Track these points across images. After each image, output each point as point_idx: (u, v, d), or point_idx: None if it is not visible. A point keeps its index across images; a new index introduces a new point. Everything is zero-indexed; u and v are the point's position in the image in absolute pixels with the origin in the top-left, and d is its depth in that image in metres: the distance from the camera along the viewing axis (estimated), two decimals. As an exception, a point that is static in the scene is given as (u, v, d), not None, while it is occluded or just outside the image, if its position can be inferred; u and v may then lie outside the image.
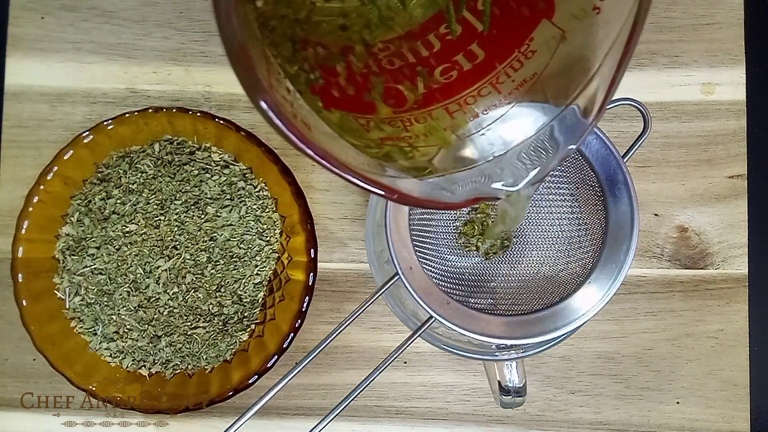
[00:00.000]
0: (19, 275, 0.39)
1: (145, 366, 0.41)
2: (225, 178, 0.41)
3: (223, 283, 0.41)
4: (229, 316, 0.41)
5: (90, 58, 0.45)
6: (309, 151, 0.18)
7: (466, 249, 0.38)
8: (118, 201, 0.40)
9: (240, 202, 0.41)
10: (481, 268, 0.37)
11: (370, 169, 0.22)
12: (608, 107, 0.34)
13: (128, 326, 0.40)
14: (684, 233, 0.43)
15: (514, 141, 0.25)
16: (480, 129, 0.25)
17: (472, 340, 0.33)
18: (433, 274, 0.34)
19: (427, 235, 0.36)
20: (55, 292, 0.40)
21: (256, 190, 0.41)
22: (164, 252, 0.40)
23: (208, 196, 0.41)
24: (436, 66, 0.25)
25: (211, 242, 0.40)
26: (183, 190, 0.41)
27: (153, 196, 0.40)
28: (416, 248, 0.32)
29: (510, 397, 0.34)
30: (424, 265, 0.32)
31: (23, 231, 0.39)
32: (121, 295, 0.40)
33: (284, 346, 0.38)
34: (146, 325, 0.40)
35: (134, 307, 0.40)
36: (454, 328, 0.30)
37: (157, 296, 0.40)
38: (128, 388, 0.40)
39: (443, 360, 0.43)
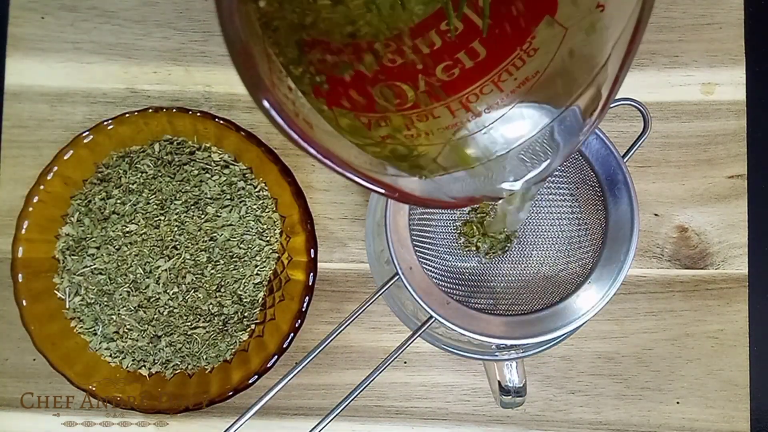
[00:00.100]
0: (19, 275, 0.39)
1: (145, 366, 0.41)
2: (225, 178, 0.41)
3: (223, 283, 0.41)
4: (229, 316, 0.41)
5: (90, 58, 0.45)
6: (311, 150, 0.18)
7: (466, 249, 0.38)
8: (118, 201, 0.40)
9: (240, 202, 0.41)
10: (481, 268, 0.37)
11: (371, 168, 0.22)
12: (609, 107, 0.34)
13: (128, 326, 0.40)
14: (684, 233, 0.43)
15: (516, 140, 0.24)
16: (482, 128, 0.25)
17: (472, 340, 0.33)
18: (433, 274, 0.34)
19: (427, 235, 0.36)
20: (55, 292, 0.40)
21: (256, 190, 0.41)
22: (164, 252, 0.40)
23: (208, 196, 0.41)
24: (438, 64, 0.24)
25: (211, 242, 0.40)
26: (183, 190, 0.41)
27: (153, 196, 0.40)
28: (416, 248, 0.32)
29: (510, 397, 0.34)
30: (424, 265, 0.32)
31: (23, 231, 0.39)
32: (121, 295, 0.40)
33: (284, 346, 0.38)
34: (146, 325, 0.40)
35: (134, 307, 0.40)
36: (454, 328, 0.30)
37: (157, 296, 0.40)
38: (128, 388, 0.40)
39: (443, 360, 0.43)
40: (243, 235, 0.41)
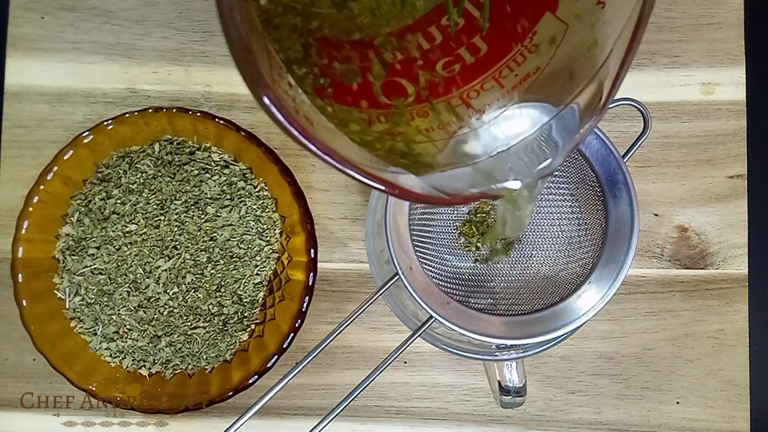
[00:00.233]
0: (19, 275, 0.39)
1: (145, 366, 0.41)
2: (225, 178, 0.41)
3: (223, 283, 0.41)
4: (229, 316, 0.41)
5: (90, 58, 0.45)
6: (311, 146, 0.18)
7: (467, 249, 0.38)
8: (118, 201, 0.40)
9: (240, 202, 0.41)
10: (481, 268, 0.37)
11: (371, 165, 0.22)
12: (609, 106, 0.34)
13: (128, 326, 0.40)
14: (684, 233, 0.43)
15: (516, 137, 0.24)
16: (483, 124, 0.25)
17: (472, 340, 0.33)
18: (433, 274, 0.34)
19: (427, 235, 0.36)
20: (55, 292, 0.40)
21: (256, 190, 0.41)
22: (164, 252, 0.40)
23: (208, 196, 0.41)
24: (438, 59, 0.24)
25: (211, 242, 0.40)
26: (183, 190, 0.41)
27: (153, 196, 0.40)
28: (416, 248, 0.32)
29: (510, 397, 0.34)
30: (424, 265, 0.32)
31: (23, 231, 0.39)
32: (121, 295, 0.40)
33: (284, 346, 0.38)
34: (146, 325, 0.40)
35: (134, 307, 0.40)
36: (454, 328, 0.30)
37: (157, 296, 0.40)
38: (128, 388, 0.40)
39: (443, 360, 0.43)
40: (243, 235, 0.41)
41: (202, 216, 0.40)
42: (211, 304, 0.40)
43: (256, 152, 0.40)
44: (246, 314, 0.41)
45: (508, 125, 0.24)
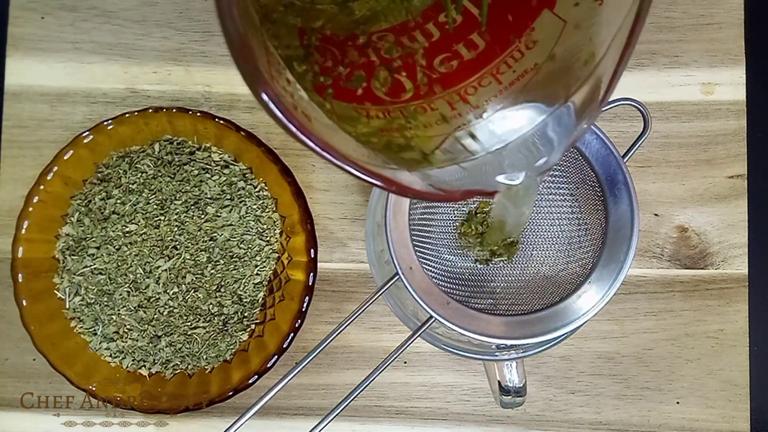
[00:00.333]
0: (19, 275, 0.39)
1: (145, 366, 0.41)
2: (225, 178, 0.41)
3: (223, 283, 0.41)
4: (229, 316, 0.41)
5: (90, 58, 0.45)
6: (310, 143, 0.18)
7: (467, 250, 0.38)
8: (118, 201, 0.40)
9: (240, 202, 0.41)
10: (481, 269, 0.37)
11: (369, 161, 0.22)
12: (609, 107, 0.34)
13: (128, 326, 0.40)
14: (684, 233, 0.43)
15: (515, 133, 0.24)
16: (481, 121, 0.25)
17: (472, 340, 0.33)
18: (433, 274, 0.34)
19: (427, 235, 0.36)
20: (55, 292, 0.40)
21: (256, 190, 0.41)
22: (164, 252, 0.40)
23: (208, 196, 0.41)
24: (436, 56, 0.24)
25: (211, 242, 0.40)
26: (183, 190, 0.41)
27: (153, 196, 0.40)
28: (416, 248, 0.32)
29: (510, 397, 0.34)
30: (424, 265, 0.32)
31: (23, 231, 0.39)
32: (121, 295, 0.40)
33: (284, 346, 0.38)
34: (146, 325, 0.40)
35: (134, 307, 0.40)
36: (454, 328, 0.30)
37: (157, 296, 0.40)
38: (128, 388, 0.40)
39: (443, 360, 0.43)
40: (243, 235, 0.41)
41: (202, 216, 0.40)
42: (211, 304, 0.40)
43: (256, 152, 0.40)
44: (246, 314, 0.41)
45: (505, 121, 0.24)
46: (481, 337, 0.30)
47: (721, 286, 0.43)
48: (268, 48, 0.21)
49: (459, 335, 0.31)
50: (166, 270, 0.40)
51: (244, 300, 0.41)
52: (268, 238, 0.41)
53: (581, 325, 0.31)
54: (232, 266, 0.41)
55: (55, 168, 0.39)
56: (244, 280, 0.41)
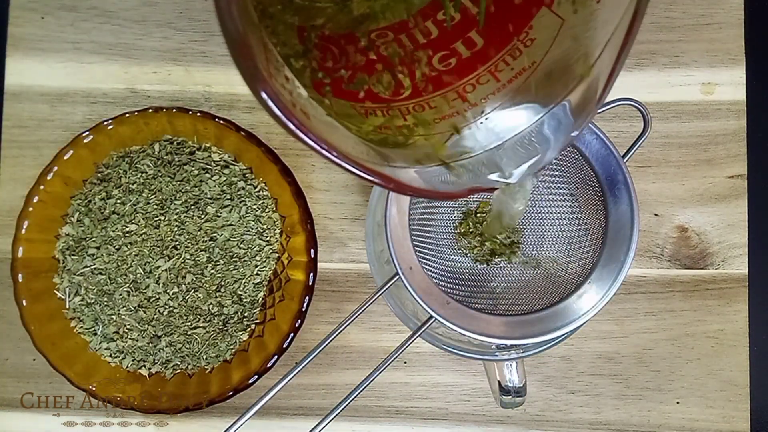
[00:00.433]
0: (19, 275, 0.39)
1: (145, 366, 0.41)
2: (225, 178, 0.41)
3: (223, 283, 0.41)
4: (229, 316, 0.41)
5: (90, 58, 0.45)
6: (308, 140, 0.18)
7: (467, 250, 0.38)
8: (118, 201, 0.40)
9: (240, 202, 0.41)
10: (481, 268, 0.37)
11: (368, 159, 0.22)
12: (609, 107, 0.34)
13: (128, 326, 0.40)
14: (684, 233, 0.43)
15: (512, 131, 0.24)
16: (479, 118, 0.25)
17: (472, 340, 0.33)
18: (433, 274, 0.34)
19: (427, 235, 0.36)
20: (55, 292, 0.40)
21: (256, 190, 0.41)
22: (164, 252, 0.40)
23: (208, 196, 0.41)
24: (435, 53, 0.24)
25: (211, 242, 0.40)
26: (183, 190, 0.41)
27: (153, 196, 0.40)
28: (416, 248, 0.32)
29: (510, 397, 0.34)
30: (424, 265, 0.32)
31: (23, 231, 0.39)
32: (121, 295, 0.40)
33: (284, 346, 0.38)
34: (146, 325, 0.40)
35: (134, 307, 0.40)
36: (454, 328, 0.30)
37: (157, 296, 0.40)
38: (128, 388, 0.40)
39: (443, 360, 0.43)
40: (243, 235, 0.41)
41: (202, 216, 0.40)
42: (211, 304, 0.40)
43: (256, 152, 0.40)
44: (246, 314, 0.41)
45: (503, 119, 0.25)
46: (481, 337, 0.30)
47: (721, 286, 0.43)
48: (267, 45, 0.21)
49: (459, 335, 0.31)
50: (166, 270, 0.40)
51: (244, 300, 0.41)
52: (268, 238, 0.41)
53: (581, 325, 0.31)
54: (232, 266, 0.41)
55: (55, 168, 0.39)
56: (244, 280, 0.41)
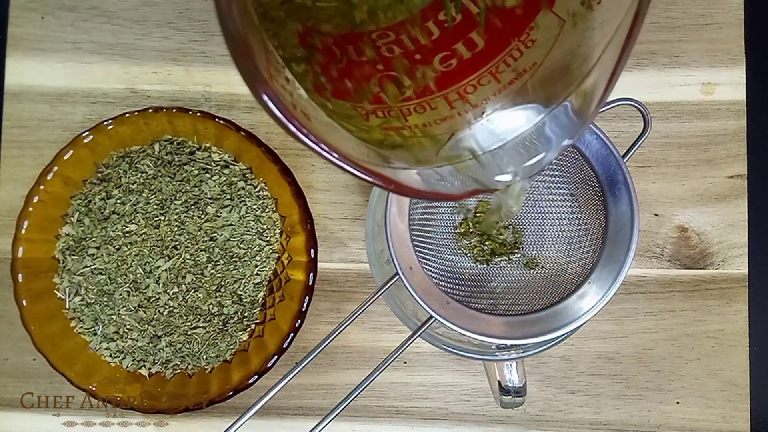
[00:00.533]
0: (19, 275, 0.39)
1: (145, 366, 0.41)
2: (225, 178, 0.41)
3: (223, 283, 0.41)
4: (229, 316, 0.41)
5: (90, 58, 0.45)
6: (309, 142, 0.18)
7: (467, 250, 0.38)
8: (118, 201, 0.40)
9: (240, 202, 0.41)
10: (481, 268, 0.37)
11: (369, 160, 0.22)
12: (609, 107, 0.34)
13: (128, 326, 0.40)
14: (684, 233, 0.43)
15: (514, 132, 0.24)
16: (479, 119, 0.25)
17: (472, 340, 0.33)
18: (433, 274, 0.34)
19: (427, 235, 0.36)
20: (55, 292, 0.40)
21: (256, 190, 0.41)
22: (164, 252, 0.40)
23: (208, 196, 0.41)
24: (435, 54, 0.24)
25: (211, 242, 0.40)
26: (183, 190, 0.41)
27: (153, 196, 0.40)
28: (416, 248, 0.32)
29: (510, 397, 0.34)
30: (424, 265, 0.32)
31: (23, 231, 0.39)
32: (121, 295, 0.40)
33: (284, 346, 0.38)
34: (146, 325, 0.40)
35: (134, 307, 0.40)
36: (454, 328, 0.30)
37: (157, 296, 0.40)
38: (128, 388, 0.40)
39: (443, 360, 0.43)
40: (243, 235, 0.41)
41: (202, 216, 0.40)
42: (211, 304, 0.40)
43: (256, 152, 0.40)
44: (246, 314, 0.41)
45: (504, 120, 0.25)
46: (481, 337, 0.30)
47: (721, 286, 0.43)
48: (267, 46, 0.21)
49: (459, 335, 0.31)
50: (166, 270, 0.40)
51: (244, 300, 0.41)
52: (268, 238, 0.41)
53: (581, 325, 0.31)
54: (232, 266, 0.41)
55: (55, 168, 0.39)
56: (244, 280, 0.41)
